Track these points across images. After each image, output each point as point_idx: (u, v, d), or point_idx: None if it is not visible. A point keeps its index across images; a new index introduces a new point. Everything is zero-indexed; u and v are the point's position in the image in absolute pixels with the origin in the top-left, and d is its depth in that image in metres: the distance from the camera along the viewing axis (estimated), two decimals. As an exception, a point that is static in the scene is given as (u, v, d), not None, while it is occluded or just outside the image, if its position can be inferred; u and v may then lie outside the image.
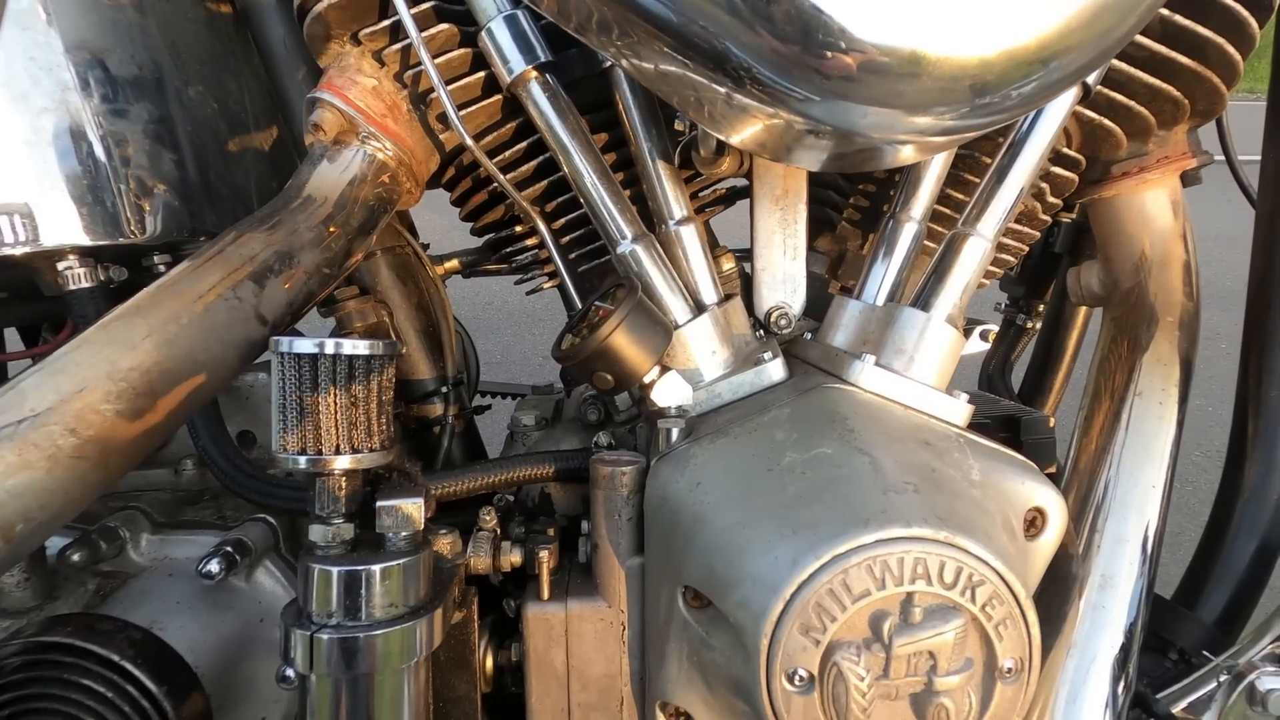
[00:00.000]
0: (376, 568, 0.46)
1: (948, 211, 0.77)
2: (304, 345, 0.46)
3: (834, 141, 0.53)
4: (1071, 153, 0.77)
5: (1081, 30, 0.41)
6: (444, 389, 0.84)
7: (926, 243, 0.71)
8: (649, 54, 0.48)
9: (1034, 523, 0.57)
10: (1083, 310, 1.09)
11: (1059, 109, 0.63)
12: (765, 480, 0.51)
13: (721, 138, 0.60)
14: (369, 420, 0.48)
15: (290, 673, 0.58)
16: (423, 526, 0.50)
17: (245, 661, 0.59)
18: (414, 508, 0.49)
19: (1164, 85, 0.71)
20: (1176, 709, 0.63)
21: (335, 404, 0.46)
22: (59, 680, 0.47)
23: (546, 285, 0.83)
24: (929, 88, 0.44)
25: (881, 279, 0.70)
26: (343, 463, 0.47)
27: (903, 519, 0.44)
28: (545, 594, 0.62)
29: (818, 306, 0.78)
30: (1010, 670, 0.44)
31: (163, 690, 0.48)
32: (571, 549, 0.67)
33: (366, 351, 0.47)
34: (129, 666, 0.48)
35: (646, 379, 0.59)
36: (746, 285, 0.79)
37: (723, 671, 0.49)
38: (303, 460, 0.46)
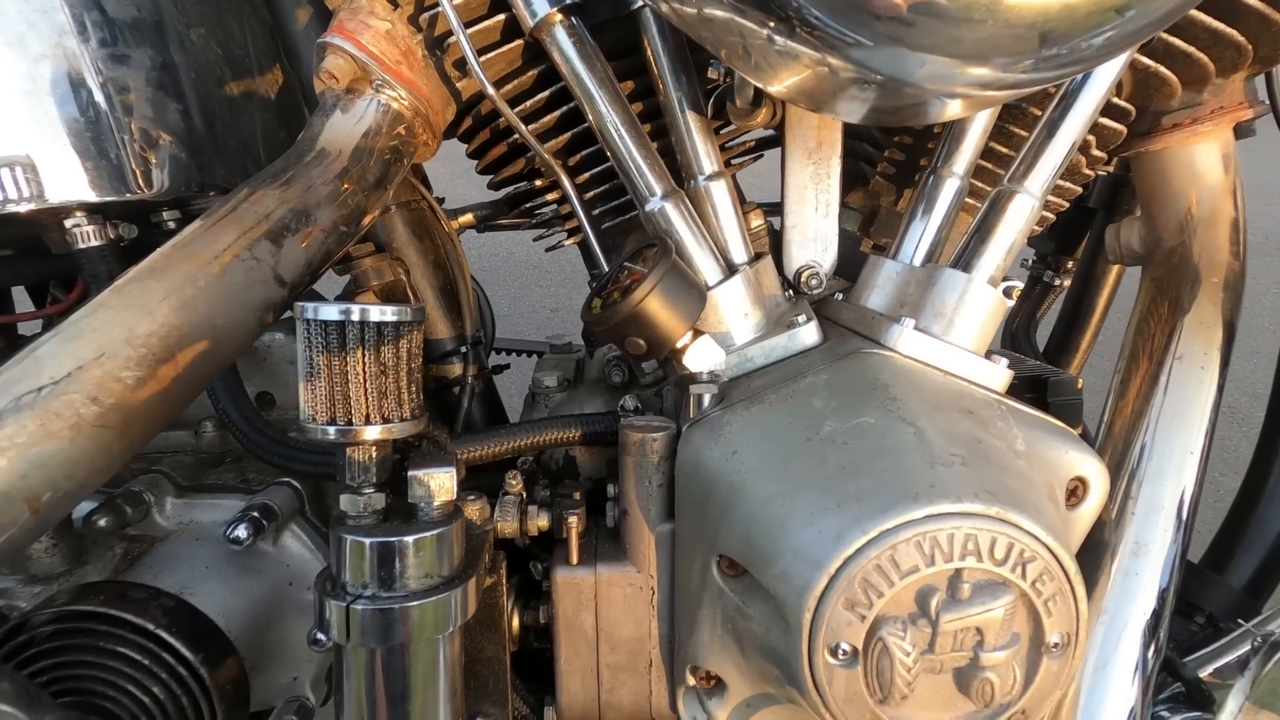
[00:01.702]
0: (410, 539, 0.45)
1: (989, 166, 0.74)
2: (331, 312, 0.44)
3: (883, 92, 0.50)
4: (1121, 102, 0.73)
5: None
6: (463, 348, 0.83)
7: (967, 199, 0.68)
8: (691, -5, 0.45)
9: (1075, 491, 0.56)
10: (1115, 268, 1.05)
11: (1119, 58, 0.59)
12: (805, 450, 0.50)
13: (761, 86, 0.56)
14: (399, 388, 0.46)
15: (322, 636, 0.58)
16: (455, 496, 0.49)
17: (275, 624, 0.59)
18: (446, 477, 0.48)
19: (1227, 29, 0.66)
20: (1203, 673, 0.63)
21: (365, 372, 0.44)
22: (95, 648, 0.47)
23: (568, 242, 0.80)
24: (992, 35, 0.40)
25: (919, 238, 0.67)
26: (373, 433, 0.45)
27: (952, 493, 0.42)
28: (574, 559, 0.61)
29: (847, 265, 0.75)
30: (1056, 645, 0.43)
31: (199, 657, 0.48)
32: (597, 512, 0.67)
33: (395, 318, 0.45)
34: (165, 635, 0.48)
35: (679, 344, 0.57)
36: (774, 242, 0.77)
37: (759, 641, 0.49)
38: (332, 431, 0.45)
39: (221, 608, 0.54)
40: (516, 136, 0.71)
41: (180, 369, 0.49)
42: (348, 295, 0.82)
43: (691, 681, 0.60)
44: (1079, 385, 0.88)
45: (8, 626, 0.47)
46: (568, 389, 0.79)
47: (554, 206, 0.80)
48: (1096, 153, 0.77)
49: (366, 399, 0.45)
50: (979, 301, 0.60)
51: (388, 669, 0.46)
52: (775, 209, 0.91)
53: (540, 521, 0.63)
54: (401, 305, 0.46)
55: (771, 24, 0.44)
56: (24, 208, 0.59)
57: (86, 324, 0.47)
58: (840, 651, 0.43)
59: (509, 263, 3.34)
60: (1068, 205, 0.82)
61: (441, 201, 0.87)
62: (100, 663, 0.47)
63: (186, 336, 0.49)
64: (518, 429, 0.64)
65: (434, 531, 0.47)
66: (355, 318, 0.44)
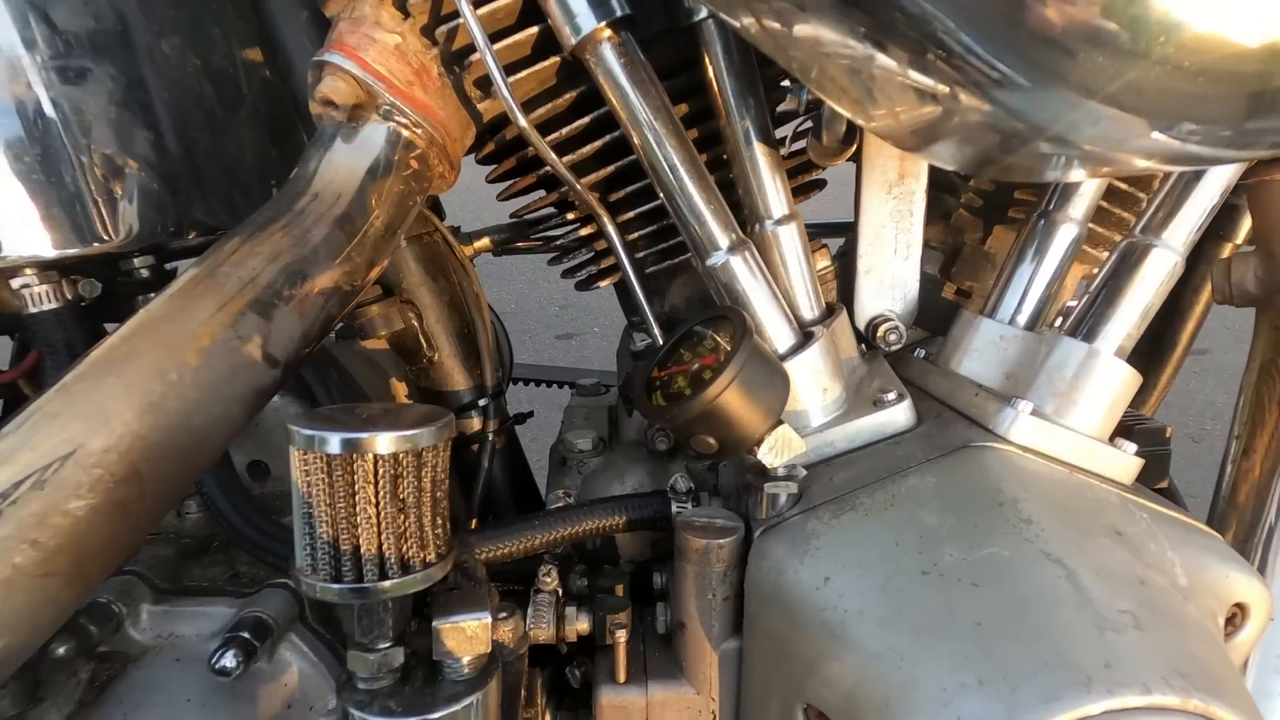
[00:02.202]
0: (437, 716, 0.36)
1: (1106, 205, 0.63)
2: (335, 443, 0.34)
3: (1012, 143, 0.39)
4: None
5: None
6: (482, 401, 0.73)
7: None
8: (800, 17, 0.34)
9: (1232, 619, 0.46)
10: (1203, 301, 0.95)
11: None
12: (922, 589, 0.40)
13: (858, 121, 0.46)
14: (421, 528, 0.37)
15: (326, 773, 0.50)
16: (490, 647, 0.39)
17: (273, 755, 0.51)
18: (479, 626, 0.39)
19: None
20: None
21: (379, 515, 0.35)
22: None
23: (603, 283, 0.69)
24: (1182, 86, 0.30)
25: (1024, 294, 0.57)
26: (389, 586, 0.36)
27: (1137, 679, 0.33)
28: (621, 675, 0.52)
29: (925, 312, 0.65)
30: None
31: None
32: (642, 603, 0.58)
33: (416, 444, 0.35)
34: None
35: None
36: (842, 283, 0.67)
37: (864, 823, 0.40)
38: (335, 590, 0.35)
39: (207, 753, 0.45)
40: (545, 168, 0.61)
41: (146, 488, 0.39)
42: (350, 336, 0.72)
43: (762, 826, 0.51)
44: (1168, 434, 0.78)
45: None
46: (603, 452, 0.69)
47: (582, 233, 0.69)
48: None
49: (380, 546, 0.35)
50: (1106, 379, 0.50)
51: None
52: (823, 230, 0.81)
53: (580, 625, 0.54)
54: (423, 425, 0.36)
55: (894, 46, 0.34)
56: (-39, 266, 0.49)
57: (22, 440, 0.37)
58: None
59: (516, 256, 3.23)
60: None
61: (456, 231, 0.77)
62: None
63: (154, 446, 0.39)
64: (553, 519, 0.55)
65: (464, 702, 0.37)
66: (367, 450, 0.34)
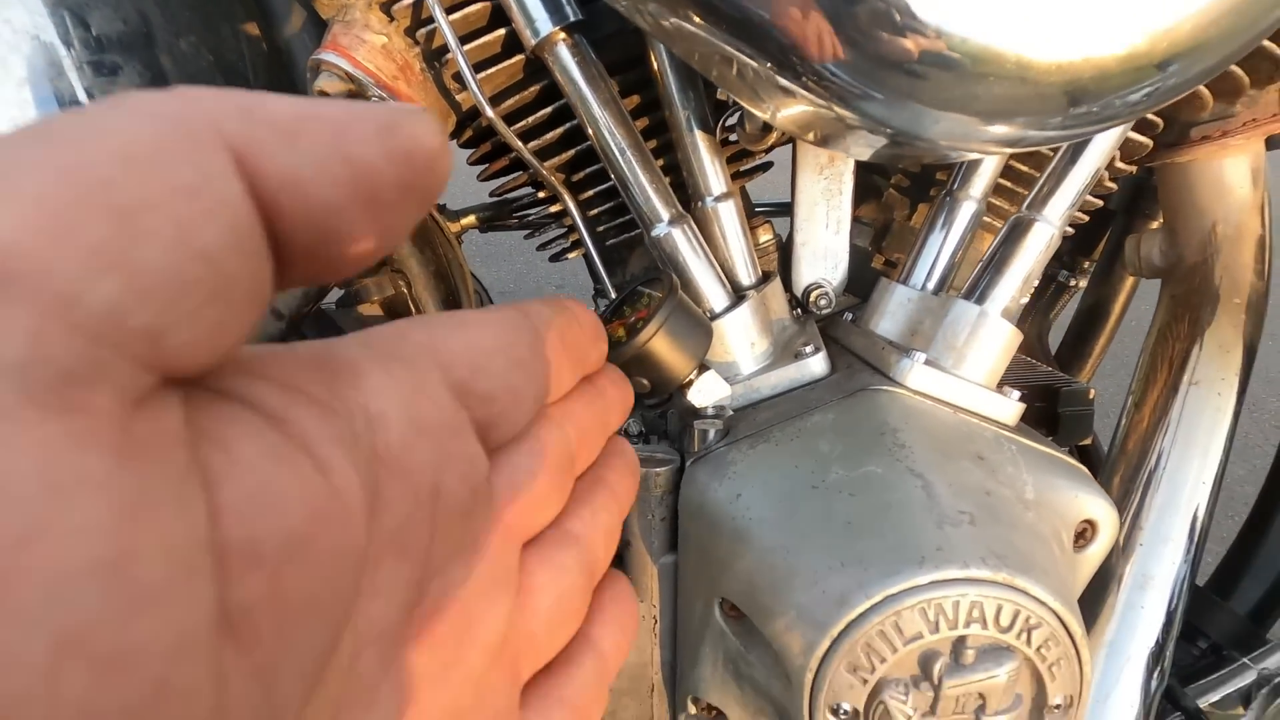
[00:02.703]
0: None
1: (1010, 185, 0.71)
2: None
3: (893, 140, 0.48)
4: (1149, 115, 0.70)
5: (1219, 24, 0.35)
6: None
7: (985, 218, 0.66)
8: (682, 22, 0.42)
9: (1084, 534, 0.55)
10: (1132, 277, 1.03)
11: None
12: (810, 499, 0.49)
13: (765, 119, 0.54)
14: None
15: None
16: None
17: None
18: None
19: (1266, 42, 0.63)
20: (1204, 703, 0.63)
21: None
22: None
23: (571, 255, 0.78)
24: (1013, 93, 0.38)
25: (933, 262, 0.65)
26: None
27: (959, 558, 0.42)
28: (577, 587, 0.62)
29: (857, 281, 0.73)
30: (1059, 706, 0.43)
31: None
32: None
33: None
34: None
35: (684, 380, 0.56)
36: (782, 255, 0.75)
37: (761, 687, 0.49)
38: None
39: None
40: (515, 151, 0.69)
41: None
42: (349, 305, 0.81)
43: (693, 710, 0.60)
44: (1091, 396, 0.86)
45: None
46: (571, 404, 0.78)
47: (558, 219, 0.78)
48: (1120, 165, 0.74)
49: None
50: (992, 335, 0.59)
51: None
52: (781, 209, 0.89)
53: (543, 547, 0.63)
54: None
55: (767, 61, 0.42)
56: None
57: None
58: (841, 711, 0.43)
59: (513, 237, 3.30)
60: (1085, 218, 0.80)
61: (442, 208, 0.85)
62: None
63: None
64: (521, 456, 0.64)
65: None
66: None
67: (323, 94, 0.60)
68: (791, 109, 0.46)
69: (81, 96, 0.61)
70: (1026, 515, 0.48)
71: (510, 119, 0.64)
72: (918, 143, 0.45)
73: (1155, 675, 0.63)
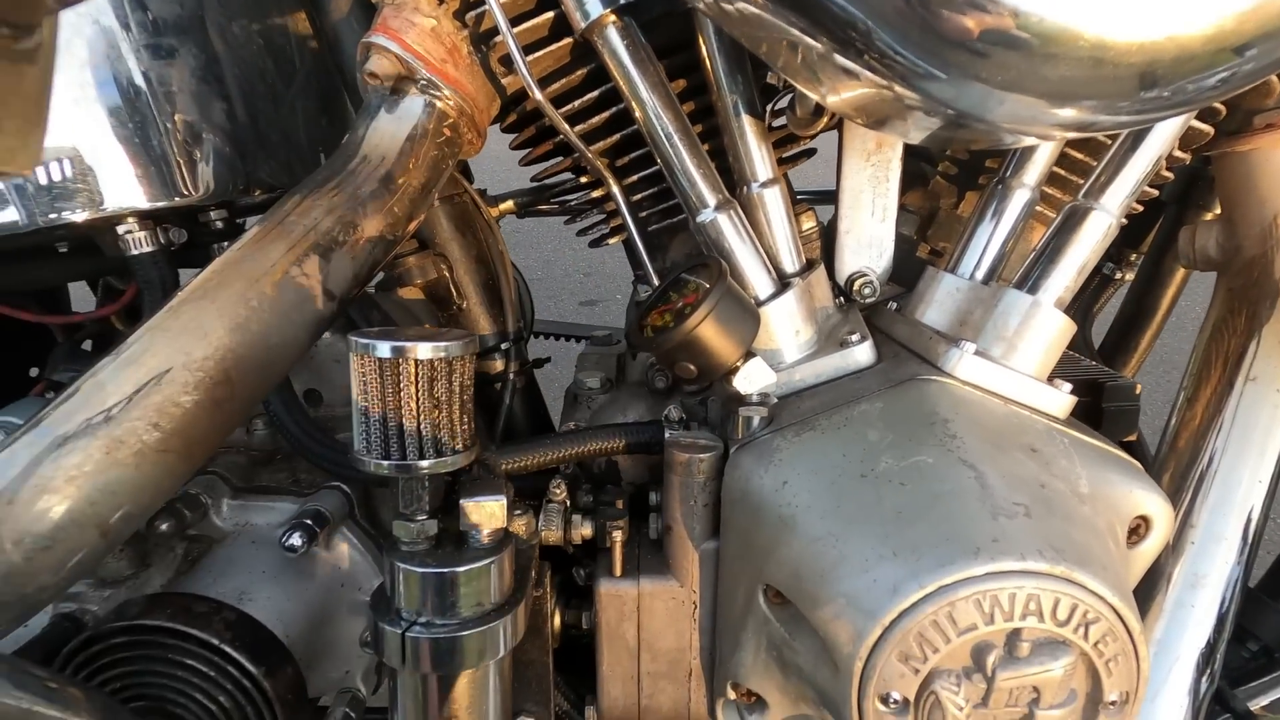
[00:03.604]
0: (462, 570, 0.46)
1: (1063, 173, 0.69)
2: (384, 349, 0.44)
3: (950, 122, 0.47)
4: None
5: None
6: (504, 345, 0.82)
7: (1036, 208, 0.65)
8: (746, 4, 0.42)
9: (1137, 530, 0.54)
10: (1182, 270, 1.00)
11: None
12: (859, 488, 0.49)
13: (818, 100, 0.53)
14: (452, 421, 0.46)
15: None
16: (505, 523, 0.49)
17: (329, 624, 0.61)
18: (497, 506, 0.48)
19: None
20: (1255, 705, 0.62)
21: (419, 407, 0.44)
22: (164, 660, 0.49)
23: (611, 241, 0.78)
24: (1086, 74, 0.37)
25: (982, 251, 0.64)
26: (426, 465, 0.45)
27: (1015, 550, 0.41)
28: (618, 570, 0.62)
29: (901, 269, 0.72)
30: (1114, 702, 0.42)
31: (261, 670, 0.50)
32: (639, 517, 0.67)
33: (448, 354, 0.45)
34: (229, 649, 0.50)
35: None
36: (826, 241, 0.74)
37: (806, 675, 0.49)
38: (386, 465, 0.45)
39: (279, 612, 0.55)
40: (560, 136, 0.69)
41: (236, 390, 0.49)
42: (390, 289, 0.81)
43: (732, 695, 0.60)
44: (1137, 391, 0.84)
45: (82, 637, 0.50)
46: (610, 390, 0.78)
47: (593, 195, 0.78)
48: (1178, 153, 0.72)
49: (420, 433, 0.45)
50: (1044, 326, 0.57)
51: (441, 693, 0.48)
52: (821, 197, 0.88)
53: (584, 530, 0.63)
54: (454, 340, 0.45)
55: (832, 42, 0.41)
56: (80, 217, 0.59)
57: (143, 347, 0.47)
58: (891, 700, 0.42)
59: (540, 225, 3.31)
60: (1140, 209, 0.78)
61: (483, 193, 0.86)
62: (169, 673, 0.49)
63: (241, 358, 0.49)
64: (563, 439, 0.64)
65: (485, 562, 0.47)
66: (412, 355, 0.44)
67: (373, 76, 0.60)
68: (850, 90, 0.45)
69: (139, 81, 0.62)
70: (1082, 509, 0.48)
71: (557, 102, 0.64)
72: (978, 125, 0.44)
73: (1205, 676, 0.61)
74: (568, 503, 0.64)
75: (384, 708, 0.87)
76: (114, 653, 0.49)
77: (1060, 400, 0.58)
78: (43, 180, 0.59)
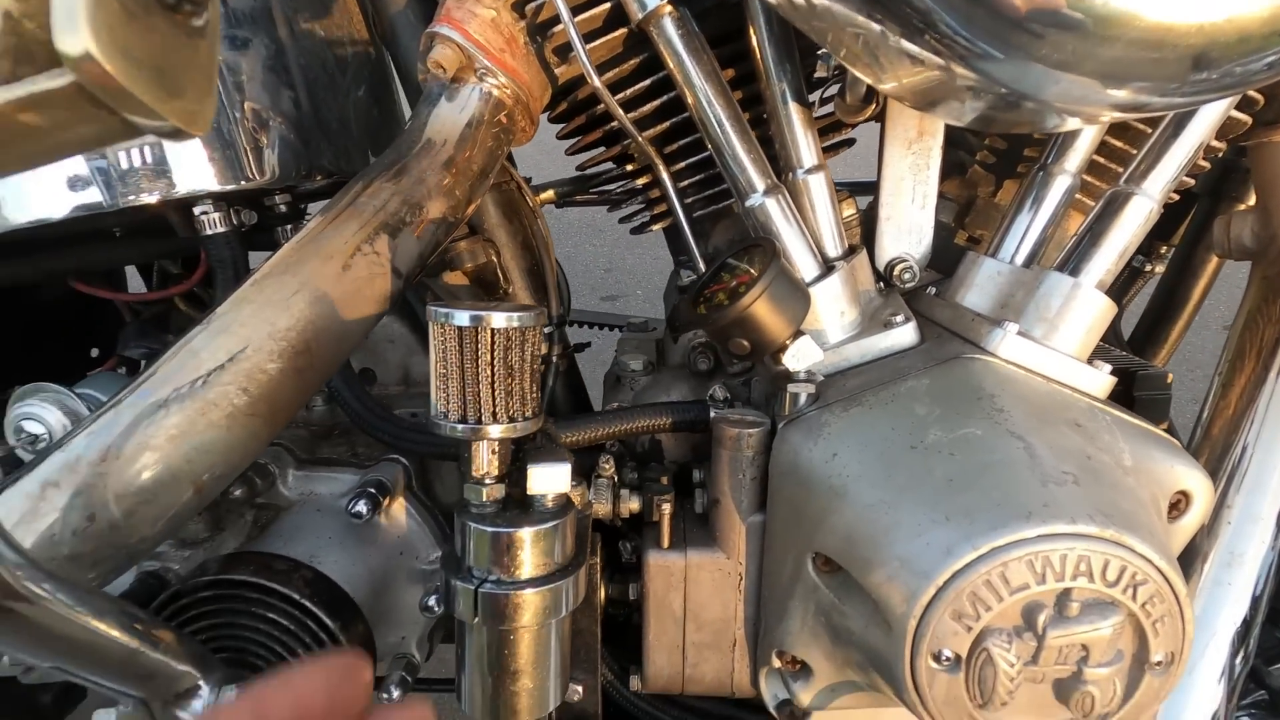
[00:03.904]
0: (531, 530, 0.48)
1: (1103, 161, 0.71)
2: (464, 318, 0.46)
3: (1004, 103, 0.48)
4: (1251, 91, 0.69)
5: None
6: (548, 328, 0.85)
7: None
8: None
9: (1177, 505, 0.56)
10: (1215, 258, 1.01)
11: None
12: (909, 458, 0.51)
13: (871, 84, 0.55)
14: (523, 389, 0.48)
15: (432, 602, 0.63)
16: (569, 489, 0.51)
17: (387, 591, 0.64)
18: (562, 472, 0.51)
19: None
20: (1290, 683, 0.63)
21: (494, 375, 0.46)
22: (247, 613, 0.52)
23: (655, 227, 0.80)
24: (1142, 55, 0.39)
25: (1023, 236, 0.65)
26: (498, 431, 0.48)
27: (1066, 514, 0.43)
28: (665, 542, 0.64)
29: (939, 256, 0.74)
30: (1160, 663, 0.44)
31: (336, 624, 0.53)
32: (682, 494, 0.69)
33: (522, 324, 0.47)
34: (308, 604, 0.52)
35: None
36: (866, 228, 0.76)
37: (856, 638, 0.51)
38: (461, 428, 0.47)
39: (345, 575, 0.58)
40: (612, 123, 0.72)
41: (314, 360, 0.52)
42: (439, 272, 0.84)
43: (776, 664, 0.63)
44: (1168, 380, 0.85)
45: (169, 592, 0.53)
46: (652, 373, 0.81)
47: (637, 184, 0.80)
48: (1215, 143, 0.73)
49: (494, 400, 0.47)
50: (1085, 307, 0.59)
51: (506, 646, 0.50)
52: (859, 188, 0.90)
53: (632, 504, 0.65)
54: (526, 311, 0.48)
55: (894, 25, 0.43)
56: (154, 198, 0.62)
57: (233, 318, 0.50)
58: (943, 658, 0.44)
59: (561, 220, 3.34)
60: (1177, 198, 0.79)
61: (529, 181, 0.88)
62: (251, 626, 0.52)
63: (320, 330, 0.52)
64: (615, 415, 0.67)
65: (551, 524, 0.50)
66: (486, 324, 0.46)
67: (438, 66, 0.63)
68: (908, 73, 0.47)
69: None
70: (1126, 480, 0.49)
71: (610, 90, 0.66)
72: (1030, 105, 0.46)
73: (1241, 654, 0.63)
74: (615, 478, 0.66)
75: (433, 678, 0.90)
76: (199, 606, 0.52)
77: (1101, 380, 0.59)
78: (124, 164, 0.62)
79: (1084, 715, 0.44)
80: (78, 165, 0.60)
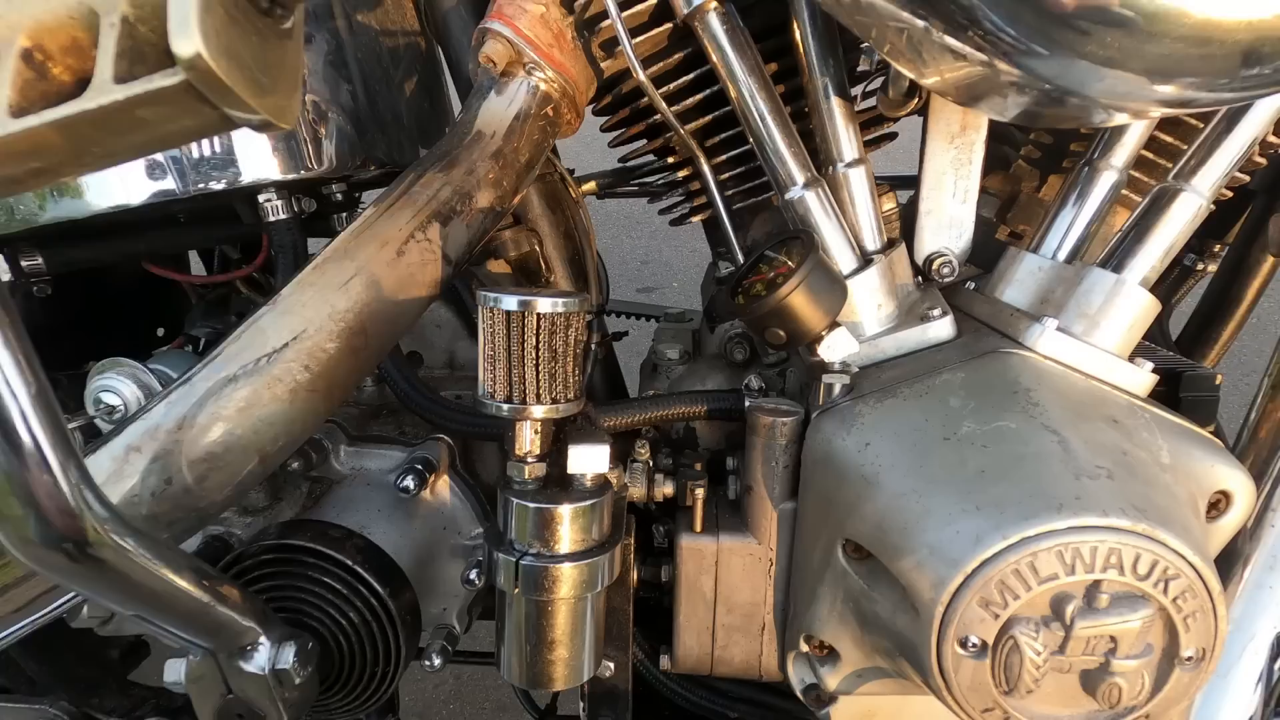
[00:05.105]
0: (569, 507, 0.51)
1: (1150, 156, 0.70)
2: (512, 303, 0.48)
3: (1047, 98, 0.48)
4: (1311, 86, 0.67)
5: None
6: (588, 317, 0.87)
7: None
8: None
9: (1217, 504, 0.55)
10: (1269, 258, 0.98)
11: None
12: (941, 449, 0.51)
13: (914, 79, 0.55)
14: (566, 372, 0.51)
15: (473, 575, 0.66)
16: (607, 469, 0.53)
17: (431, 563, 0.67)
18: (601, 454, 0.53)
19: None
20: (1332, 691, 0.62)
21: (539, 357, 0.49)
22: (304, 577, 0.55)
23: (695, 219, 0.82)
24: (1190, 51, 0.39)
25: (1066, 232, 0.65)
26: (542, 411, 0.50)
27: (1098, 507, 0.43)
28: (698, 526, 0.66)
29: (979, 251, 0.74)
30: (1190, 658, 0.44)
31: (387, 591, 0.56)
32: (715, 481, 0.71)
33: (566, 309, 0.49)
34: (360, 570, 0.56)
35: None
36: (905, 223, 0.76)
37: (884, 623, 0.52)
38: (506, 408, 0.50)
39: (393, 547, 0.61)
40: (656, 116, 0.73)
41: (369, 340, 0.55)
42: (481, 262, 0.87)
43: (804, 648, 0.64)
44: (1217, 381, 0.84)
45: (232, 555, 0.57)
46: (688, 362, 0.82)
47: (678, 176, 0.81)
48: (1272, 138, 0.71)
49: (539, 381, 0.49)
50: (1128, 304, 0.59)
51: (544, 617, 0.53)
52: (899, 182, 0.90)
53: (666, 489, 0.67)
54: (571, 297, 0.50)
55: (937, 20, 0.44)
56: (222, 185, 0.66)
57: (296, 300, 0.53)
58: (970, 644, 0.45)
59: (599, 213, 3.35)
60: (1231, 194, 0.77)
61: (572, 173, 0.90)
62: (308, 589, 0.55)
63: (375, 312, 0.55)
64: (652, 401, 0.69)
65: (590, 501, 0.52)
66: (533, 309, 0.48)
67: (488, 60, 0.65)
68: (951, 69, 0.47)
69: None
70: (1163, 477, 0.49)
71: (655, 84, 0.68)
72: (1075, 101, 0.46)
73: (1280, 658, 0.62)
74: (650, 462, 0.68)
75: (471, 651, 0.94)
76: (261, 568, 0.56)
77: (1141, 378, 0.59)
78: (196, 155, 0.66)
79: (1110, 706, 0.45)
80: (156, 155, 0.64)
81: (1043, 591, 0.44)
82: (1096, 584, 0.43)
